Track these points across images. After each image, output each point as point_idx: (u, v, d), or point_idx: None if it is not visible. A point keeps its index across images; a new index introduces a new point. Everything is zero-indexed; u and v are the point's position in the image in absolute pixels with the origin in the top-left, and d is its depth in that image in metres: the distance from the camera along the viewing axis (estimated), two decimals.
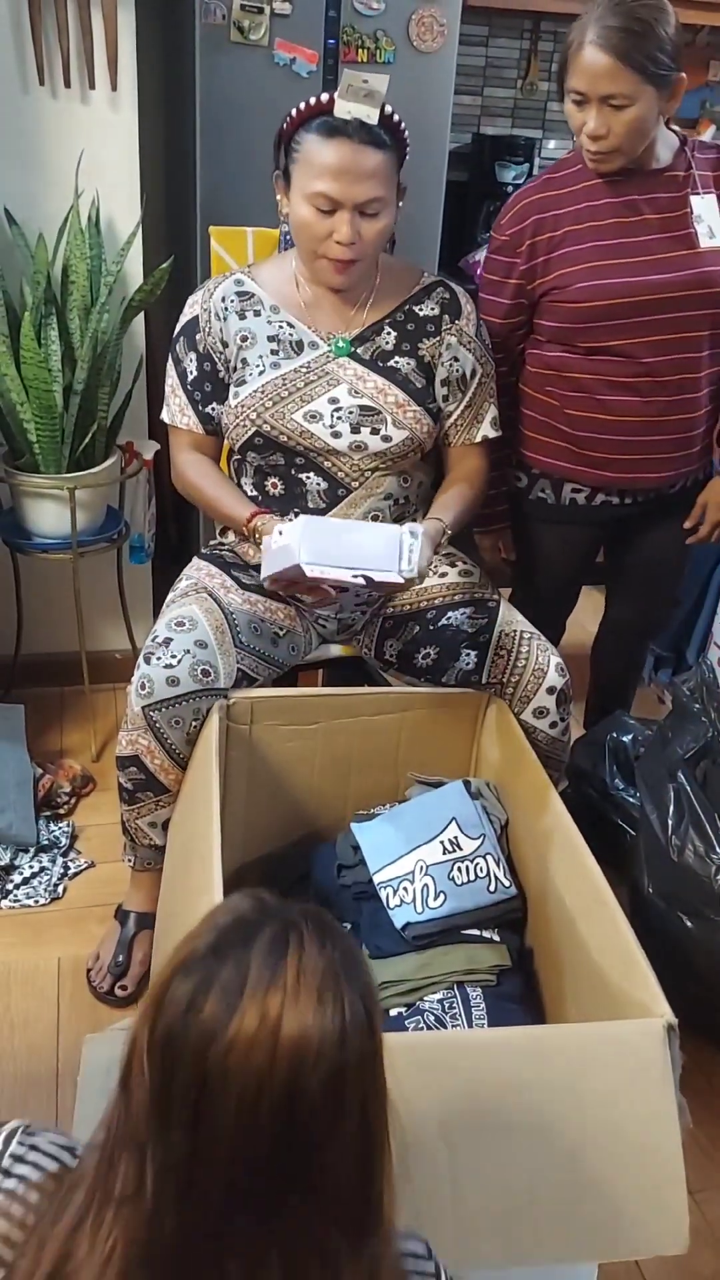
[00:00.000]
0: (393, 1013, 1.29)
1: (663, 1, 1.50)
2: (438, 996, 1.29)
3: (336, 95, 1.37)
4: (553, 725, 1.54)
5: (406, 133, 1.45)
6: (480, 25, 2.72)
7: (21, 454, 1.99)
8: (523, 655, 1.53)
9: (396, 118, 1.42)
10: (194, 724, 1.43)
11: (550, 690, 1.52)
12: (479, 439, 1.62)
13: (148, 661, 1.43)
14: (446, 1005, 1.28)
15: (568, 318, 1.66)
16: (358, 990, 0.63)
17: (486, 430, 1.62)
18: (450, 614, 1.59)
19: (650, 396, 1.68)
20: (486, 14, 2.60)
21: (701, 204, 1.63)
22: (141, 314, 2.08)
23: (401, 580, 1.34)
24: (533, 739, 1.48)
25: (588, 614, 2.12)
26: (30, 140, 1.95)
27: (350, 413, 1.50)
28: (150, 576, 2.35)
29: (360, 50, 2.05)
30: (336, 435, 1.50)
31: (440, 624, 1.59)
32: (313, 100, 1.41)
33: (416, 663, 1.60)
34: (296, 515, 1.52)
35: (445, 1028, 1.25)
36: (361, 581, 1.34)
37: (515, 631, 1.55)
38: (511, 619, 1.58)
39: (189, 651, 1.42)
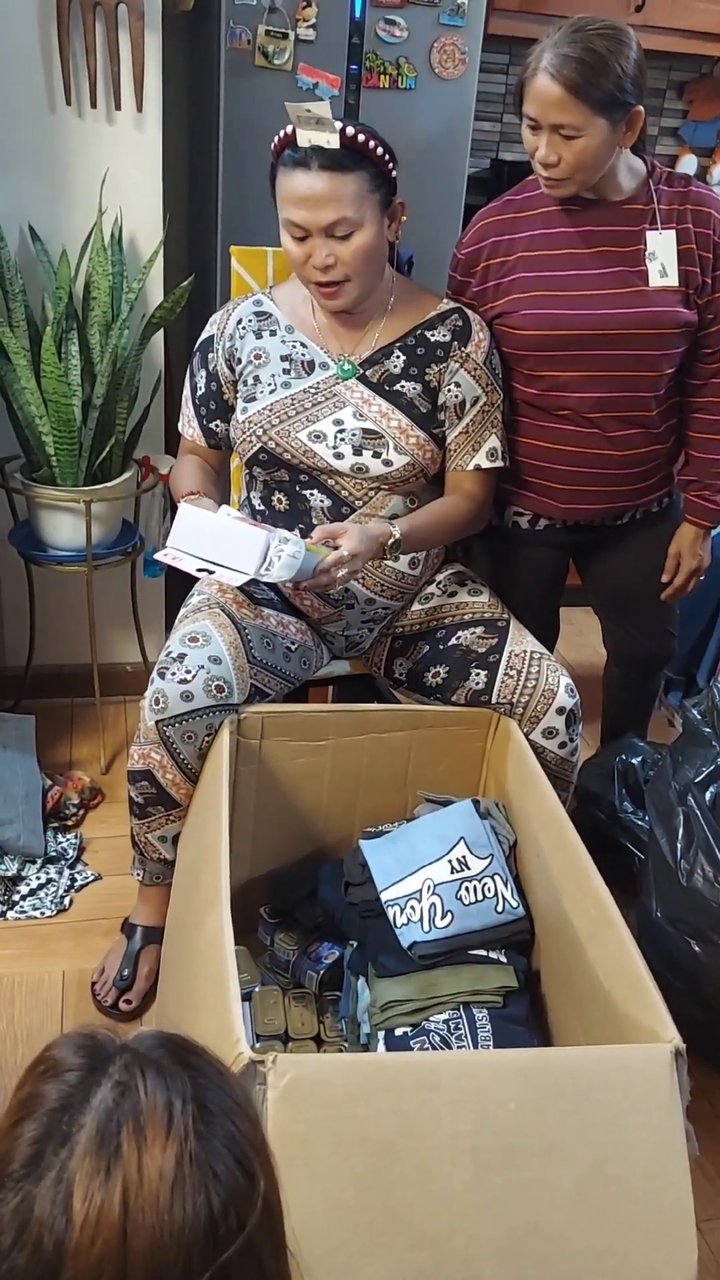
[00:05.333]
0: (398, 1032, 1.29)
1: (622, 33, 1.46)
2: (444, 1017, 1.28)
3: (295, 126, 1.38)
4: (562, 746, 1.54)
5: (380, 149, 1.43)
6: (500, 53, 2.76)
7: (39, 466, 2.01)
8: (533, 676, 1.53)
9: (362, 137, 1.40)
10: (206, 739, 1.43)
11: (560, 711, 1.52)
12: (470, 467, 1.58)
13: (162, 676, 1.43)
14: (452, 1026, 1.27)
15: (514, 345, 1.63)
16: (223, 1142, 0.52)
17: (481, 460, 1.58)
18: (460, 634, 1.60)
19: (590, 430, 1.65)
20: (507, 42, 2.63)
21: (657, 240, 1.57)
22: (161, 331, 2.10)
23: (246, 579, 1.37)
24: (542, 759, 1.48)
25: (599, 636, 2.12)
26: (56, 158, 1.98)
27: (353, 435, 1.51)
28: (163, 590, 2.36)
29: (382, 76, 2.08)
30: (339, 456, 1.51)
31: (450, 644, 1.59)
32: (281, 134, 1.42)
33: (426, 681, 1.60)
34: (299, 528, 1.55)
35: (451, 1048, 1.25)
36: (203, 576, 1.40)
37: (525, 652, 1.56)
38: (522, 639, 1.58)
39: (203, 667, 1.43)
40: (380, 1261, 0.90)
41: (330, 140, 1.38)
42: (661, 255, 1.57)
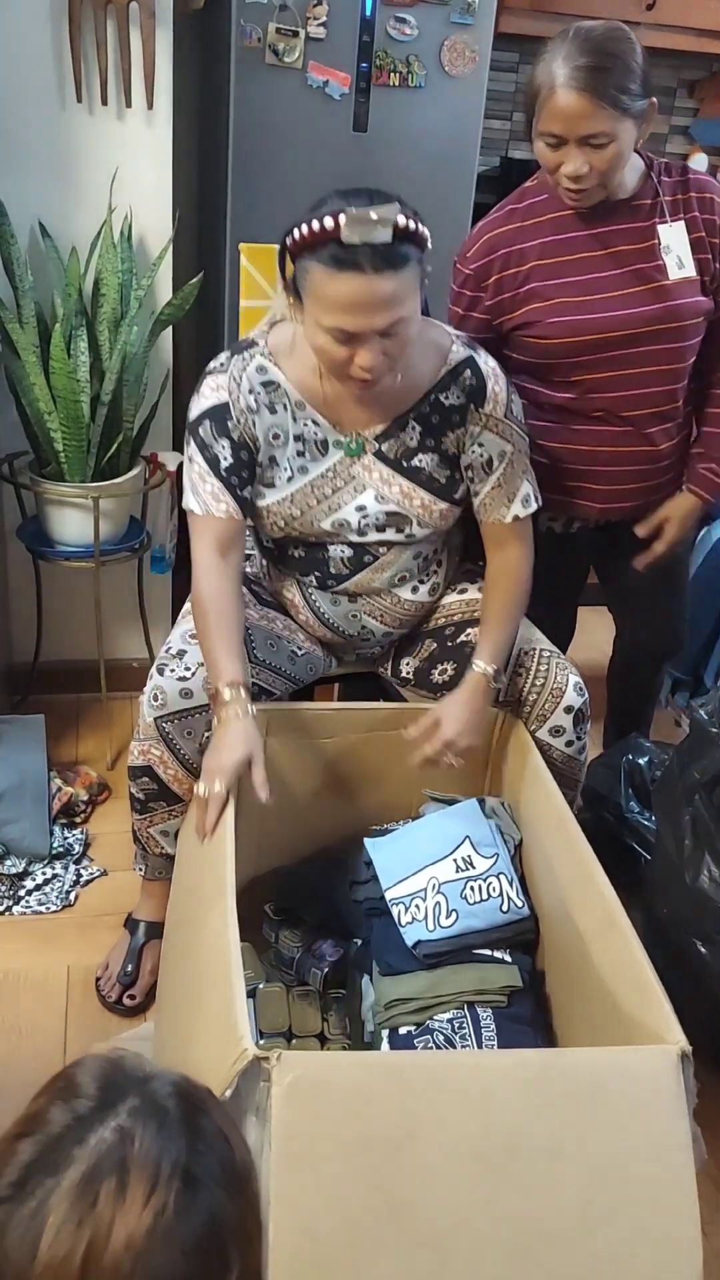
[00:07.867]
0: (402, 1031, 1.28)
1: (624, 30, 1.46)
2: (448, 1016, 1.28)
3: (342, 223, 1.20)
4: (569, 744, 1.54)
5: (423, 228, 1.27)
6: (511, 51, 2.75)
7: (48, 463, 2.01)
8: (541, 673, 1.52)
9: (413, 225, 1.24)
10: (207, 735, 1.43)
11: (568, 709, 1.51)
12: (509, 519, 1.51)
13: (161, 673, 1.43)
14: (456, 1025, 1.27)
15: (538, 354, 1.62)
16: (203, 1221, 0.51)
17: (517, 509, 1.51)
18: (468, 631, 1.59)
19: (624, 428, 1.65)
20: (517, 40, 2.63)
21: (669, 233, 1.58)
22: (170, 328, 2.10)
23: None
24: (548, 757, 1.48)
25: (604, 635, 2.11)
26: (66, 155, 1.98)
27: (377, 518, 1.47)
28: (170, 586, 2.37)
29: (392, 74, 2.08)
30: (362, 534, 1.49)
31: (458, 641, 1.59)
32: (317, 226, 1.22)
33: (433, 679, 1.60)
34: (315, 579, 1.53)
35: (455, 1047, 1.24)
36: None
37: (534, 649, 1.55)
38: (530, 637, 1.58)
39: (203, 664, 1.42)
40: (384, 1261, 0.89)
41: (383, 236, 1.21)
42: (676, 247, 1.58)
